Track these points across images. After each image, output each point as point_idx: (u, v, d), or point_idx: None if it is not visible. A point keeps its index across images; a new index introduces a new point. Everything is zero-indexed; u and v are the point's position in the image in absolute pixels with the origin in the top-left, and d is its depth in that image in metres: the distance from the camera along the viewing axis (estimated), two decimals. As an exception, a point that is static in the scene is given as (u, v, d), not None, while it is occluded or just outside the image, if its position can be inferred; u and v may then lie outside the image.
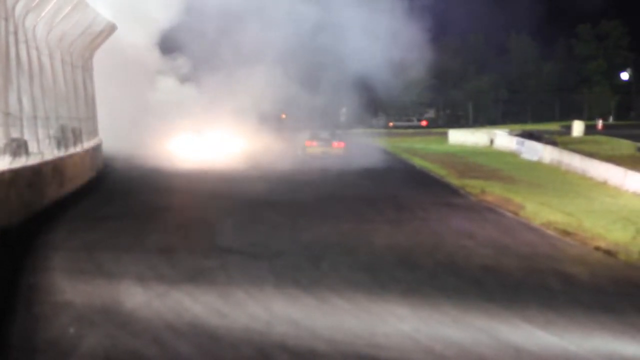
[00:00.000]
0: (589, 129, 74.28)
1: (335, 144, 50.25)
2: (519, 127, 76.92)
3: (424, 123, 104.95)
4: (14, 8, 23.16)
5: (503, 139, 65.10)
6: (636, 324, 16.06)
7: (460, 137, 69.60)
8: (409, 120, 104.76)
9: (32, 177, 22.44)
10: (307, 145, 50.20)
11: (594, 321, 15.83)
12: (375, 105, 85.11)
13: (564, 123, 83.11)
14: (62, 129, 29.25)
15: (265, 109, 65.74)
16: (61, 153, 27.98)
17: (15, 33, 23.50)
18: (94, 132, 38.22)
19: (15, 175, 20.77)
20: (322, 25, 65.17)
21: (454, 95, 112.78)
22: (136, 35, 54.74)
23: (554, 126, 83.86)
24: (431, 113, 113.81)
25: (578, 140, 63.80)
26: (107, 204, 26.37)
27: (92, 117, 38.38)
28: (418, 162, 50.77)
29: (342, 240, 21.73)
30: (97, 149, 36.10)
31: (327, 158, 48.51)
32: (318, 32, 65.31)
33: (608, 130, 77.15)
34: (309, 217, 25.63)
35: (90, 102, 37.91)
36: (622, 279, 21.37)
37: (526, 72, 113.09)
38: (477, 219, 28.61)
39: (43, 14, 26.56)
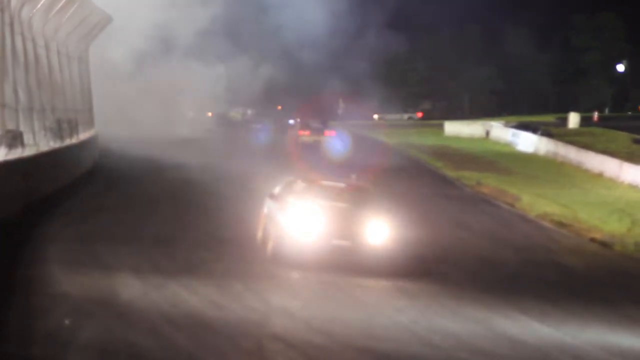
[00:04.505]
0: (585, 121, 74.28)
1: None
2: (514, 119, 76.92)
3: (419, 115, 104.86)
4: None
5: (499, 130, 65.10)
6: (632, 316, 16.11)
7: (455, 129, 69.60)
8: (406, 112, 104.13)
9: (27, 168, 22.42)
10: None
11: (590, 312, 15.88)
12: (371, 97, 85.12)
13: (560, 115, 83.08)
14: (58, 121, 29.21)
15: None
16: (57, 145, 27.94)
17: (11, 25, 23.46)
18: (89, 123, 38.15)
19: (10, 166, 20.75)
20: (315, 18, 65.42)
21: (450, 87, 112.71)
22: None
23: (549, 118, 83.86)
24: (427, 104, 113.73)
25: (574, 132, 63.75)
26: (102, 195, 26.33)
27: (88, 108, 38.32)
28: (413, 153, 50.79)
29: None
30: (92, 140, 36.02)
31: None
32: (310, 25, 65.60)
33: (604, 122, 77.12)
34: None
35: (86, 94, 37.85)
36: (618, 270, 21.45)
37: (522, 64, 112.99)
38: (473, 210, 28.68)
39: (39, 5, 26.49)
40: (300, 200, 17.64)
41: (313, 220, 16.83)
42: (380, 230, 16.97)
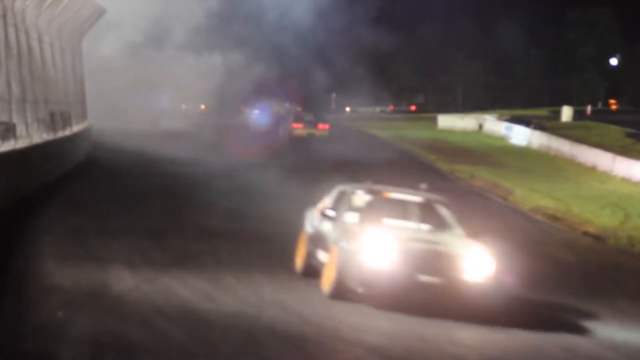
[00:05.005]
0: (578, 115, 74.46)
1: (320, 125, 51.15)
2: (508, 113, 77.04)
3: (412, 108, 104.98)
4: (2, -9, 23.08)
5: (492, 124, 65.19)
6: (625, 310, 16.12)
7: (449, 122, 69.68)
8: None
9: (20, 161, 22.38)
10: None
11: (583, 306, 15.87)
12: (363, 91, 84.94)
13: (553, 108, 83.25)
14: (51, 113, 29.17)
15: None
16: (49, 137, 27.90)
17: (4, 16, 23.41)
18: (82, 115, 38.08)
19: (3, 158, 20.71)
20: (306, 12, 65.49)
21: (444, 81, 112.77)
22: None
23: (542, 111, 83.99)
24: (420, 98, 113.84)
25: (567, 126, 63.96)
26: (95, 188, 26.28)
27: (81, 100, 38.24)
28: (406, 146, 50.79)
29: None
30: (85, 132, 35.97)
31: (312, 139, 49.15)
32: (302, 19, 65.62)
33: (597, 115, 77.31)
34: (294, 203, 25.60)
35: (79, 86, 37.78)
36: (611, 264, 21.49)
37: (516, 58, 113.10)
38: (466, 204, 28.63)
39: (32, -3, 26.44)
40: (369, 221, 13.77)
41: (391, 249, 12.80)
42: (480, 262, 13.06)
